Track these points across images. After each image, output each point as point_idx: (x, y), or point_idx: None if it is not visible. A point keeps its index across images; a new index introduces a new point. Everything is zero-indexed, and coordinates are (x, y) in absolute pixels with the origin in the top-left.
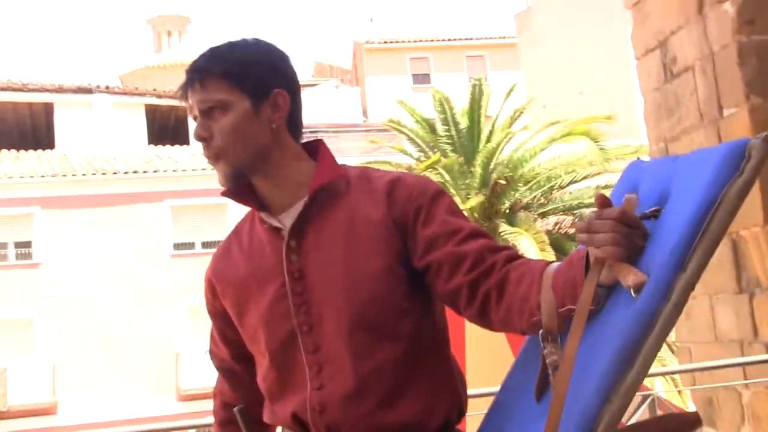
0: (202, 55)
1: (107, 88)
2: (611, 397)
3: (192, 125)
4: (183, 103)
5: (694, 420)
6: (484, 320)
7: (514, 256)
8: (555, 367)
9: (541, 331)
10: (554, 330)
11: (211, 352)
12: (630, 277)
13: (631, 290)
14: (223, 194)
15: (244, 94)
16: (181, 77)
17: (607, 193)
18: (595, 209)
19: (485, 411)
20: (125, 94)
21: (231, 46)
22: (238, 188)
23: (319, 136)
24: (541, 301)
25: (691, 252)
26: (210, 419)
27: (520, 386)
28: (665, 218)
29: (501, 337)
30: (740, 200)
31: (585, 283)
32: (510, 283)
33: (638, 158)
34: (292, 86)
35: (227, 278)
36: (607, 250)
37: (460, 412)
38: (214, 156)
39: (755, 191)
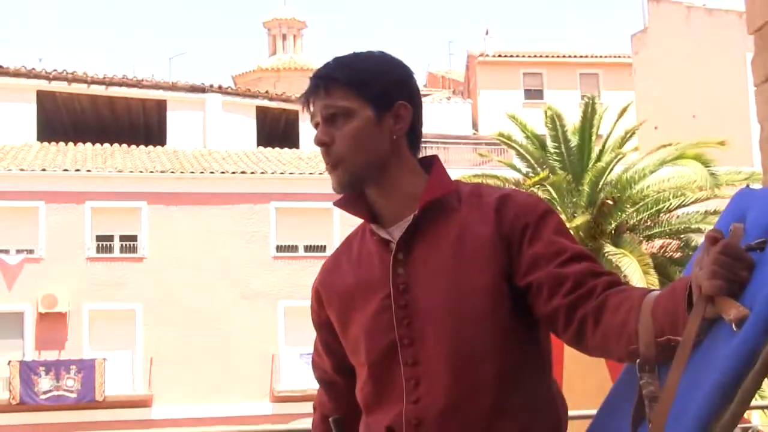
0: (327, 64)
1: (220, 88)
2: None
3: (303, 129)
4: (304, 110)
5: None
6: (580, 344)
7: (615, 282)
8: (652, 398)
9: (638, 361)
10: (652, 359)
11: (314, 363)
12: (732, 311)
13: (733, 325)
14: (336, 204)
15: (367, 104)
16: (295, 81)
17: (715, 219)
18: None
19: None
20: (237, 95)
21: (357, 57)
22: (350, 199)
23: (429, 146)
24: (639, 329)
25: None
26: (302, 423)
27: (615, 416)
28: None
29: (600, 360)
30: None
31: (690, 317)
32: (608, 309)
33: (748, 186)
34: (415, 100)
35: (334, 287)
36: (709, 284)
37: None
38: (334, 162)
39: None
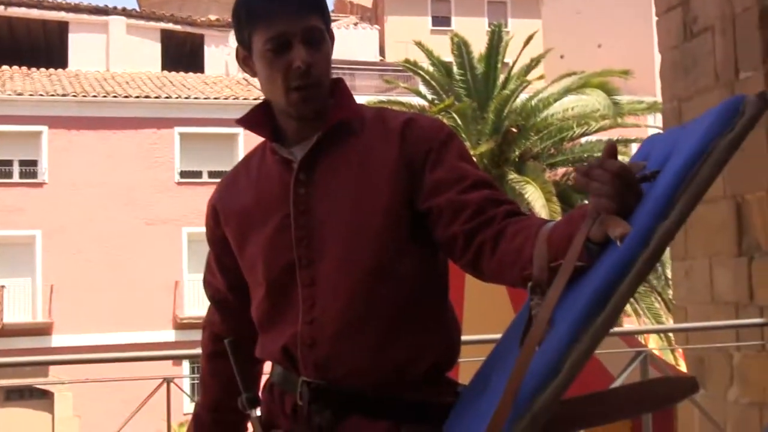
0: None
1: (124, 10)
2: (580, 337)
3: (208, 54)
4: (266, 26)
5: (689, 386)
6: (476, 270)
7: (515, 211)
8: None
9: (530, 284)
10: (544, 283)
11: (206, 282)
12: (618, 229)
13: (618, 241)
14: (238, 122)
15: (326, 26)
16: (201, 4)
17: (619, 149)
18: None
19: (480, 358)
20: (142, 17)
21: None
22: (254, 117)
23: (335, 72)
24: (534, 254)
25: (674, 200)
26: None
27: (511, 340)
28: (660, 175)
29: (501, 287)
30: (729, 154)
31: (577, 234)
32: (506, 237)
33: (658, 133)
34: None
35: (232, 206)
36: (599, 201)
37: (451, 359)
38: (314, 85)
39: (762, 156)
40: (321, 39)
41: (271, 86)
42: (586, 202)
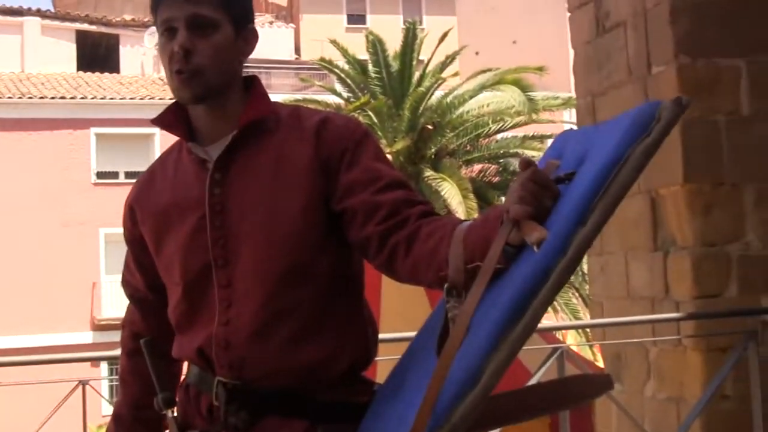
0: None
1: (39, 11)
2: (500, 345)
3: (123, 54)
4: (156, 11)
5: (604, 383)
6: (390, 271)
7: (429, 212)
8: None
9: (446, 286)
10: (460, 285)
11: (124, 281)
12: (534, 234)
13: (534, 246)
14: (153, 121)
15: (230, 19)
16: (116, 4)
17: (533, 144)
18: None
19: (397, 356)
20: (57, 18)
21: None
22: (168, 116)
23: (251, 71)
24: (450, 255)
25: (592, 207)
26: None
27: (426, 340)
28: (576, 178)
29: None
30: (646, 160)
31: (495, 240)
32: (420, 238)
33: (570, 129)
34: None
35: (148, 206)
36: (515, 208)
37: (367, 359)
38: (193, 71)
39: (676, 151)
40: (209, 26)
41: (165, 72)
42: (503, 199)
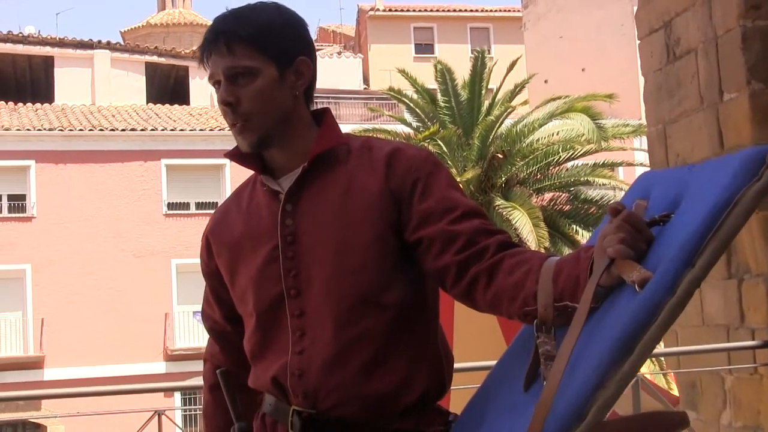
0: (225, 18)
1: (108, 44)
2: (606, 383)
3: (193, 86)
4: (201, 66)
5: (679, 420)
6: (469, 301)
7: (508, 242)
8: (548, 357)
9: (536, 321)
10: (549, 321)
11: (204, 313)
12: (634, 273)
13: (636, 285)
14: (227, 155)
15: (270, 61)
16: (184, 36)
17: (603, 172)
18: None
19: (470, 385)
20: (126, 50)
21: (254, 10)
22: (254, 153)
23: (320, 102)
24: (538, 291)
25: (701, 248)
26: (195, 381)
27: (508, 374)
28: (676, 219)
29: (491, 315)
30: (756, 203)
31: (590, 278)
32: (503, 269)
33: (652, 170)
34: (312, 54)
35: (223, 238)
36: (616, 247)
37: (441, 388)
38: (242, 122)
39: None
40: (247, 74)
41: None
42: (574, 227)
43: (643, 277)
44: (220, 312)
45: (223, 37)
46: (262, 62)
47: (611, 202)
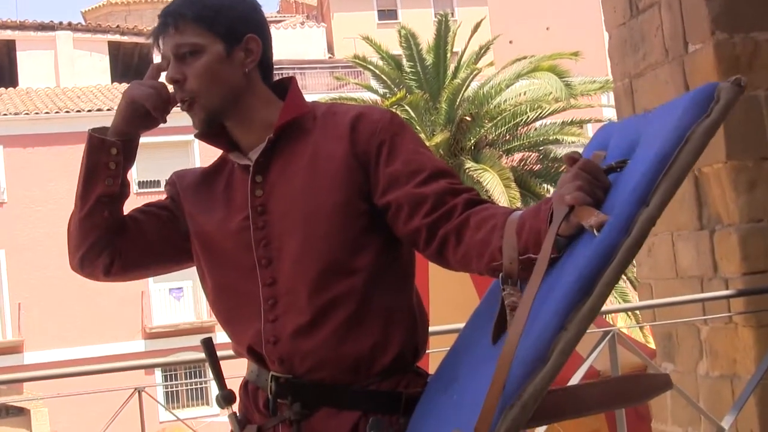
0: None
1: (70, 24)
2: (567, 325)
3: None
4: (154, 47)
5: (662, 384)
6: (441, 261)
7: (475, 200)
8: (513, 308)
9: (501, 275)
10: (515, 274)
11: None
12: (592, 218)
13: (594, 230)
14: (197, 136)
15: (217, 38)
16: (146, 14)
17: (572, 129)
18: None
19: (448, 347)
20: (88, 30)
21: None
22: (211, 130)
23: (285, 72)
24: (503, 245)
25: (654, 187)
26: (175, 357)
27: (479, 328)
28: (632, 164)
29: (465, 274)
30: (706, 139)
31: (550, 227)
32: (470, 227)
33: (612, 122)
34: (263, 32)
35: (196, 206)
36: (573, 194)
37: (416, 350)
38: (189, 99)
39: (719, 129)
40: (192, 53)
41: None
42: (545, 186)
43: (600, 220)
44: (147, 220)
45: (171, 17)
46: (209, 40)
47: (568, 152)
